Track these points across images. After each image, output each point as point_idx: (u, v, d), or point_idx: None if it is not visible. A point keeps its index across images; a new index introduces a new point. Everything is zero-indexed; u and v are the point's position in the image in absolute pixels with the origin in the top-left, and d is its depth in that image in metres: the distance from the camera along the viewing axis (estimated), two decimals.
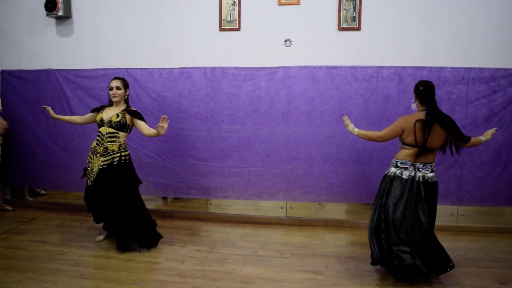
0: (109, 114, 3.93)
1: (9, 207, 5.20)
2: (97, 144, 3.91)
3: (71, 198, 5.41)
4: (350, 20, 4.46)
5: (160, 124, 3.58)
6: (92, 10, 4.98)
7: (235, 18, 4.66)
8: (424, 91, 3.32)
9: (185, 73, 4.71)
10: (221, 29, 4.70)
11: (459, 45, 4.35)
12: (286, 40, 4.60)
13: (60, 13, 4.86)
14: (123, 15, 4.90)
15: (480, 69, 4.26)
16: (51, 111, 4.24)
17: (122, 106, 4.00)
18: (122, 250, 3.90)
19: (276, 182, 4.68)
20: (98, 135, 3.93)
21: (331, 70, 4.44)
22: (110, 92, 3.95)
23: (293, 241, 4.28)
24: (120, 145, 3.92)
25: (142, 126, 3.88)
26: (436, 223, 4.54)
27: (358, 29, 4.48)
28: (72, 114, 4.94)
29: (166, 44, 4.83)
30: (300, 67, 4.49)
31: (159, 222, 4.76)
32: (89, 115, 4.16)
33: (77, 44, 5.06)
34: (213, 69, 4.65)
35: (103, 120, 3.91)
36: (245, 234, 4.48)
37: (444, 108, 4.31)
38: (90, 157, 3.98)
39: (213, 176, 4.81)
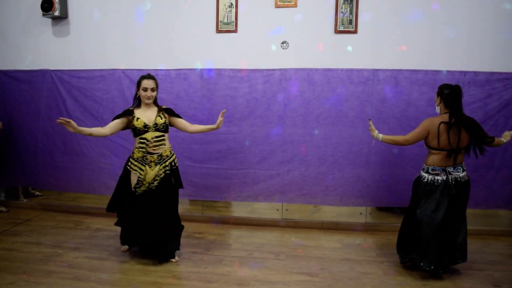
0: (150, 117, 3.58)
1: (3, 208, 5.17)
2: (145, 152, 3.56)
3: (66, 199, 5.38)
4: (346, 23, 4.47)
5: (220, 118, 3.59)
6: (89, 10, 4.95)
7: (232, 20, 4.66)
8: (451, 94, 3.38)
9: (181, 74, 4.71)
10: (218, 30, 4.70)
11: (455, 49, 4.36)
12: (282, 43, 4.60)
13: (57, 13, 4.84)
14: (119, 16, 4.88)
15: (476, 72, 4.28)
16: (72, 123, 3.26)
17: (154, 107, 3.69)
18: (166, 261, 3.71)
19: (272, 184, 4.68)
20: (142, 143, 3.54)
21: (327, 72, 4.45)
22: (144, 93, 3.57)
23: (289, 243, 4.28)
24: (169, 149, 3.70)
25: (185, 123, 3.73)
26: None
27: (355, 32, 4.49)
28: (68, 115, 4.93)
29: (163, 45, 4.82)
30: (297, 70, 4.50)
31: None
32: (116, 123, 3.60)
33: (74, 45, 5.04)
34: (210, 70, 4.65)
35: (147, 125, 3.53)
36: (241, 236, 4.47)
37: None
38: (140, 168, 3.56)
39: (209, 178, 4.80)
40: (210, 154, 4.75)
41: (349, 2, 4.44)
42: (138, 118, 3.54)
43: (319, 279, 3.43)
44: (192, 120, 4.69)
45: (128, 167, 3.65)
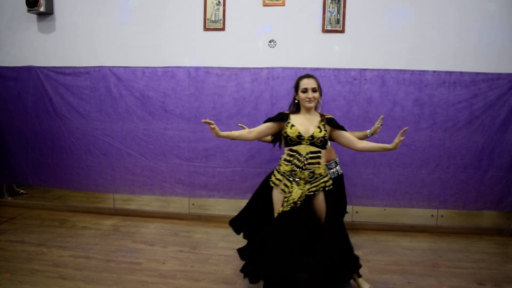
0: (308, 127, 2.97)
1: None
2: (295, 167, 2.96)
3: (51, 197, 5.33)
4: (334, 22, 4.49)
5: (401, 138, 2.79)
6: (75, 6, 4.90)
7: (219, 18, 4.64)
8: None
9: (168, 72, 4.69)
10: (206, 28, 4.68)
11: (441, 49, 4.41)
12: (270, 41, 4.60)
13: (42, 9, 4.77)
14: (106, 12, 4.84)
15: (461, 73, 4.33)
16: (216, 129, 2.96)
17: (316, 115, 3.07)
18: None
19: (260, 181, 4.67)
20: (294, 156, 2.97)
21: (314, 71, 4.44)
22: (303, 95, 3.00)
23: None
24: (324, 167, 3.03)
25: (351, 138, 3.00)
26: (416, 224, 4.64)
27: (342, 31, 4.51)
28: (55, 112, 4.91)
29: (150, 43, 4.79)
30: (284, 68, 4.51)
31: (141, 222, 4.75)
32: (266, 127, 3.09)
33: (59, 41, 4.98)
34: (197, 68, 4.64)
35: (301, 136, 2.94)
36: (228, 234, 4.46)
37: (426, 110, 4.38)
38: (285, 185, 2.98)
39: (197, 176, 4.80)
40: (198, 152, 4.75)
41: (336, 2, 4.45)
42: (292, 126, 2.97)
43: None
44: (180, 119, 4.70)
45: (271, 183, 3.08)
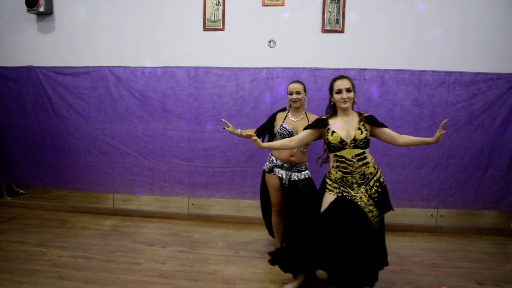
0: (348, 130, 2.93)
1: None
2: (345, 173, 2.93)
3: (50, 197, 5.33)
4: (334, 22, 4.49)
5: (442, 132, 2.80)
6: (74, 6, 4.90)
7: (219, 18, 4.64)
8: None
9: (168, 72, 4.68)
10: (205, 28, 4.68)
11: (441, 49, 4.40)
12: (270, 41, 4.60)
13: (41, 9, 4.77)
14: (105, 12, 4.84)
15: (460, 73, 4.33)
16: (258, 140, 2.98)
17: (354, 115, 3.04)
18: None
19: (260, 181, 4.67)
20: (340, 161, 2.93)
21: (314, 71, 4.46)
22: (338, 96, 2.98)
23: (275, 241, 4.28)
24: (373, 164, 2.98)
25: (393, 134, 3.00)
26: (416, 224, 4.65)
27: (342, 31, 4.50)
28: (55, 112, 4.92)
29: (149, 43, 4.78)
30: (284, 68, 4.51)
31: (140, 222, 4.75)
32: (306, 135, 3.07)
33: (59, 41, 4.98)
34: (197, 68, 4.64)
35: (344, 141, 2.90)
36: (227, 234, 4.47)
37: (426, 110, 4.38)
38: (344, 190, 2.93)
39: (197, 176, 4.80)
40: (198, 152, 4.75)
41: (336, 2, 4.45)
42: (333, 132, 2.94)
43: (305, 278, 3.45)
44: (179, 119, 4.70)
45: (328, 191, 3.03)
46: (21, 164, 5.15)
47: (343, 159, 2.91)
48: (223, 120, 3.72)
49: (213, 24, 4.65)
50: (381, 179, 2.98)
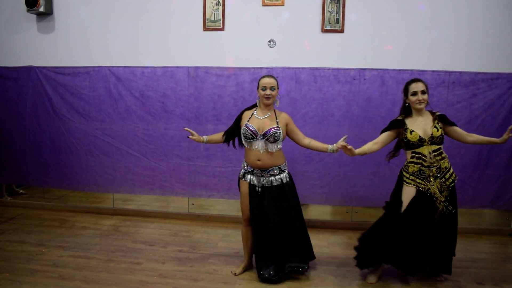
0: (425, 128, 3.18)
1: None
2: (423, 166, 3.18)
3: (50, 197, 5.33)
4: (333, 22, 4.49)
5: (510, 134, 3.16)
6: (74, 6, 4.90)
7: (219, 18, 4.64)
8: None
9: (168, 72, 4.69)
10: (205, 28, 4.68)
11: (440, 49, 4.40)
12: (269, 41, 4.60)
13: (41, 9, 4.77)
14: (105, 12, 4.84)
15: (460, 72, 4.33)
16: (353, 149, 3.20)
17: (427, 114, 3.28)
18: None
19: None
20: (418, 157, 3.19)
21: (314, 71, 4.46)
22: (412, 98, 3.22)
23: None
24: (447, 159, 3.25)
25: (462, 132, 3.30)
26: None
27: (342, 31, 4.50)
28: (55, 112, 4.93)
29: (149, 43, 4.79)
30: (284, 68, 4.51)
31: (141, 222, 4.75)
32: (384, 137, 3.31)
33: (59, 41, 4.98)
34: (197, 68, 4.64)
35: (422, 138, 3.16)
36: (227, 234, 4.47)
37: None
38: (421, 182, 3.21)
39: (198, 175, 4.80)
40: (199, 152, 4.75)
41: (336, 2, 4.45)
42: (412, 131, 3.18)
43: (305, 277, 3.45)
44: (180, 119, 4.70)
45: (405, 183, 3.28)
46: (21, 164, 5.15)
47: (421, 155, 3.18)
48: (186, 128, 3.53)
49: (213, 24, 4.66)
50: (454, 174, 3.26)
